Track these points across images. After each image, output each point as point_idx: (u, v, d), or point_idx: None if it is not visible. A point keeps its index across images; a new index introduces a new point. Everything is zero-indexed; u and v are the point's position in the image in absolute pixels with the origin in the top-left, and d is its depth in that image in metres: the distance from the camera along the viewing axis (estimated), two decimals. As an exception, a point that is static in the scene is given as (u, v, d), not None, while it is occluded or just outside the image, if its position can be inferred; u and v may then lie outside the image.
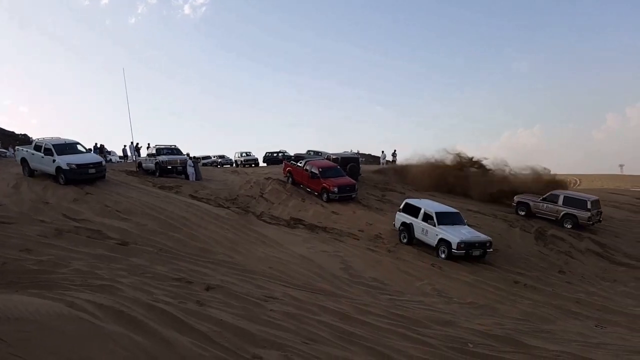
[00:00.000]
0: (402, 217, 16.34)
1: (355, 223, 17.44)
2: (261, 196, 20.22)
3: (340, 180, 20.97)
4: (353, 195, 20.98)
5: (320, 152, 34.49)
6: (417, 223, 15.59)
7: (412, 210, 16.06)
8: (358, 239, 15.51)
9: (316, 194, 21.00)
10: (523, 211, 20.60)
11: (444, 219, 15.14)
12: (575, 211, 19.27)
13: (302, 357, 5.91)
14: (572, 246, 17.18)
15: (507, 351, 6.98)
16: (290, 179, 22.75)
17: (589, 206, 19.22)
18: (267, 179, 23.70)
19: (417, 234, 15.58)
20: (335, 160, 25.90)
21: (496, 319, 8.94)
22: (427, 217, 15.33)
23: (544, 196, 20.40)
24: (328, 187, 20.47)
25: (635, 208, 25.89)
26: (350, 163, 25.01)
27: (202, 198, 18.59)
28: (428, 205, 16.19)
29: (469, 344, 7.16)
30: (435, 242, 14.72)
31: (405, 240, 15.82)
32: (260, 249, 12.90)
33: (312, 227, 16.40)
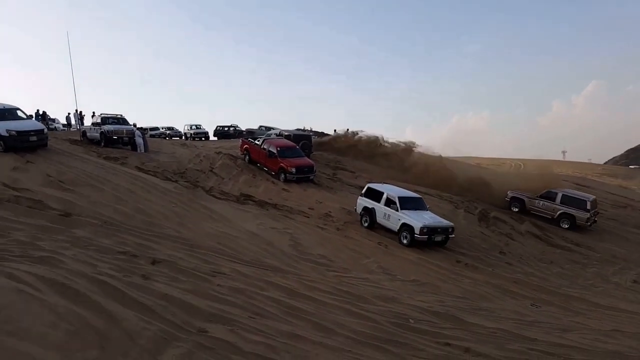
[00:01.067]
0: (363, 202, 16.19)
1: (306, 201, 17.57)
2: (211, 171, 19.86)
3: (298, 161, 20.54)
4: (311, 177, 20.64)
5: (272, 128, 34.25)
6: (379, 207, 15.49)
7: (374, 195, 15.93)
8: (308, 217, 15.66)
9: (273, 173, 20.56)
10: (517, 207, 20.20)
11: (406, 203, 15.04)
12: (574, 211, 18.84)
13: (248, 331, 5.98)
14: (513, 228, 18.24)
15: (447, 327, 7.40)
16: (248, 157, 22.23)
17: (588, 206, 18.65)
18: (218, 153, 23.29)
19: (379, 218, 15.47)
20: (287, 137, 25.84)
21: (438, 297, 9.41)
22: (389, 202, 15.23)
23: (541, 193, 19.85)
24: (286, 167, 20.04)
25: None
26: (302, 140, 25.06)
27: (149, 171, 18.02)
28: (390, 189, 16.09)
29: (410, 319, 7.52)
30: (398, 227, 14.61)
31: (366, 225, 15.71)
32: (209, 224, 12.73)
33: (262, 204, 16.36)
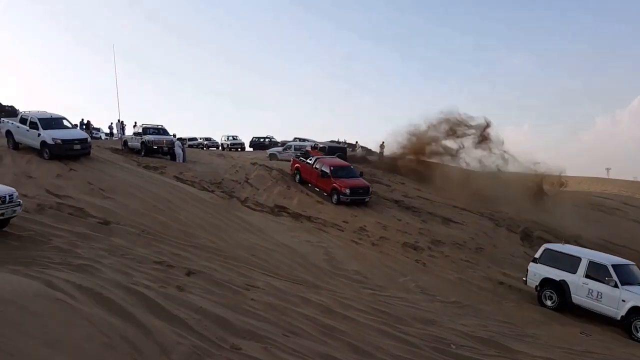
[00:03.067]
0: (541, 270, 11.89)
1: (340, 214, 17.32)
2: (246, 181, 19.95)
3: (353, 182, 19.21)
4: (366, 200, 19.16)
5: (307, 140, 34.27)
6: (577, 280, 11.14)
7: (563, 261, 11.65)
8: (342, 230, 15.40)
9: (325, 194, 19.38)
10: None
11: (624, 274, 10.77)
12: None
13: (282, 350, 5.77)
14: (557, 249, 17.28)
15: (491, 354, 6.95)
16: (298, 177, 21.17)
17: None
18: (253, 164, 23.43)
19: (578, 297, 11.08)
20: (322, 149, 25.70)
21: (480, 320, 8.92)
22: (596, 272, 10.91)
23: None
24: (339, 187, 18.66)
25: (622, 214, 26.29)
26: (337, 153, 24.77)
27: (187, 180, 18.28)
28: (593, 254, 11.76)
29: (452, 345, 7.11)
30: (622, 311, 10.24)
31: (552, 305, 11.41)
32: (243, 236, 12.69)
33: (296, 216, 16.23)
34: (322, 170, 19.76)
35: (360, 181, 19.71)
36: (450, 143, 26.39)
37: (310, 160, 21.06)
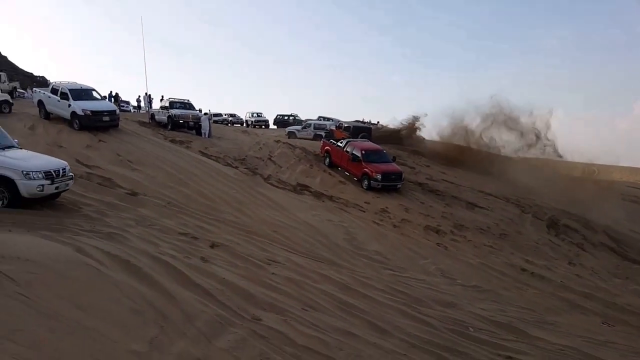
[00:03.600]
0: None
1: (362, 195, 17.28)
2: (270, 159, 20.05)
3: (385, 167, 18.20)
4: (398, 186, 18.21)
5: (332, 119, 33.99)
6: None
7: None
8: (364, 211, 15.38)
9: (356, 179, 18.62)
10: None
11: None
12: None
13: (301, 323, 5.88)
14: (585, 238, 16.88)
15: (509, 339, 6.92)
16: (328, 160, 20.34)
17: None
18: (277, 141, 23.48)
19: None
20: (347, 128, 25.26)
21: (500, 305, 8.85)
22: None
23: None
24: (370, 173, 17.79)
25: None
26: (362, 132, 24.41)
27: (212, 155, 18.50)
28: None
29: (470, 328, 7.10)
30: None
31: None
32: (266, 212, 12.84)
33: (318, 195, 16.27)
34: (353, 154, 18.88)
35: (393, 166, 18.75)
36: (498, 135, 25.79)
37: (341, 143, 20.20)
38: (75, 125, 17.37)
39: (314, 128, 29.84)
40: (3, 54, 49.50)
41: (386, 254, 11.39)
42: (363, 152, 18.74)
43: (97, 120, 17.56)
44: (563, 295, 10.54)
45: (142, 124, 22.70)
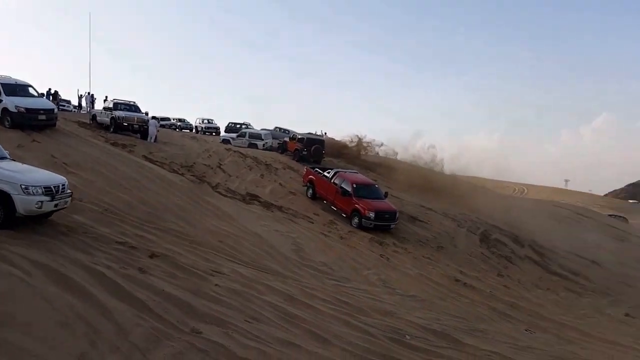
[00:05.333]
0: None
1: (311, 206, 17.44)
2: (219, 167, 19.76)
3: (378, 204, 16.69)
4: (392, 227, 16.71)
5: (288, 131, 33.99)
6: None
7: None
8: (312, 222, 15.53)
9: (344, 215, 16.99)
10: None
11: None
12: None
13: (243, 335, 5.85)
14: (513, 252, 18.04)
15: (442, 346, 7.25)
16: (311, 191, 18.65)
17: None
18: (228, 149, 23.21)
19: None
20: (300, 140, 24.96)
21: (435, 314, 9.25)
22: None
23: None
24: (362, 210, 16.23)
25: (574, 222, 27.54)
26: (314, 145, 24.41)
27: (157, 161, 17.94)
28: None
29: (406, 335, 7.37)
30: None
31: None
32: (212, 222, 12.63)
33: (267, 205, 16.23)
34: (342, 187, 17.27)
35: (387, 204, 17.22)
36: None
37: (329, 173, 18.59)
38: (7, 123, 16.15)
39: (249, 137, 29.16)
40: None
41: (332, 265, 11.56)
42: (354, 185, 17.16)
43: (32, 118, 16.44)
44: (492, 305, 11.19)
45: (82, 124, 21.58)
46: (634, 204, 71.06)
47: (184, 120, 42.51)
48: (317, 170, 19.30)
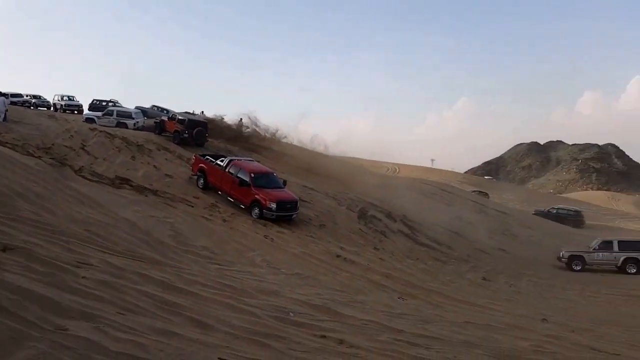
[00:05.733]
0: None
1: (191, 189, 16.82)
2: (82, 149, 17.93)
3: (279, 194, 16.36)
4: (294, 216, 16.55)
5: (167, 110, 31.87)
6: None
7: None
8: (192, 206, 15.01)
9: (242, 206, 16.40)
10: (578, 266, 19.89)
11: None
12: (636, 254, 19.14)
13: (116, 328, 5.46)
14: (387, 227, 19.60)
15: (324, 319, 7.62)
16: (203, 180, 17.59)
17: None
18: (92, 129, 21.14)
19: None
20: (181, 121, 23.31)
21: (317, 290, 9.68)
22: None
23: (595, 246, 20.14)
24: (263, 200, 15.80)
25: (439, 198, 30.81)
26: (198, 127, 22.99)
27: (7, 143, 15.65)
28: None
29: (290, 313, 7.60)
30: None
31: None
32: (76, 208, 11.45)
33: (140, 189, 15.23)
34: (239, 177, 16.60)
35: (288, 193, 17.00)
36: None
37: (222, 161, 17.68)
38: None
39: (117, 115, 26.76)
40: None
41: (214, 249, 11.36)
42: (252, 175, 16.65)
43: None
44: (369, 277, 12.10)
45: None
46: (489, 179, 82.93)
47: (40, 97, 37.52)
48: (208, 158, 18.24)
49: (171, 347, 5.40)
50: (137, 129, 25.63)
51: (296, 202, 16.76)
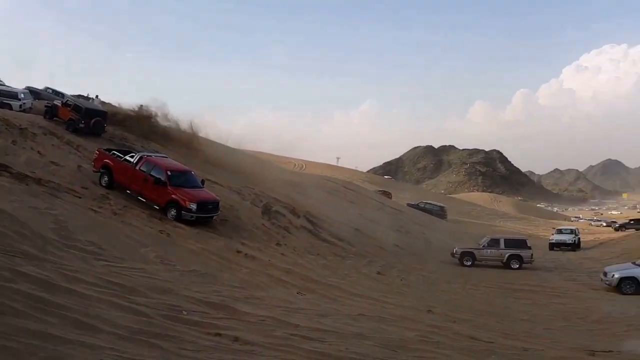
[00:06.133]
0: None
1: (80, 178, 15.47)
2: (-50, 129, 15.62)
3: (198, 193, 15.23)
4: (214, 217, 15.70)
5: (63, 94, 28.71)
6: None
7: None
8: (80, 197, 13.81)
9: (157, 207, 15.01)
10: (469, 261, 21.36)
11: None
12: (519, 251, 21.23)
13: (-20, 334, 4.91)
14: (291, 222, 19.81)
15: (219, 317, 7.53)
16: (107, 178, 15.69)
17: (529, 244, 21.90)
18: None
19: None
20: (76, 108, 20.37)
21: (215, 287, 9.52)
22: None
23: (485, 243, 22.03)
24: (182, 201, 14.61)
25: (342, 195, 31.91)
26: (96, 118, 20.43)
27: None
28: None
29: (183, 311, 7.39)
30: None
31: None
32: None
33: (21, 177, 13.64)
34: (152, 175, 15.16)
35: (208, 193, 16.07)
36: None
37: (132, 157, 16.08)
38: None
39: (0, 96, 23.02)
40: None
41: (102, 244, 10.60)
42: (169, 173, 15.28)
43: None
44: (270, 273, 12.15)
45: None
46: (388, 179, 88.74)
47: None
48: (114, 154, 16.46)
49: (46, 350, 4.99)
50: (24, 110, 22.76)
51: (217, 203, 15.99)
